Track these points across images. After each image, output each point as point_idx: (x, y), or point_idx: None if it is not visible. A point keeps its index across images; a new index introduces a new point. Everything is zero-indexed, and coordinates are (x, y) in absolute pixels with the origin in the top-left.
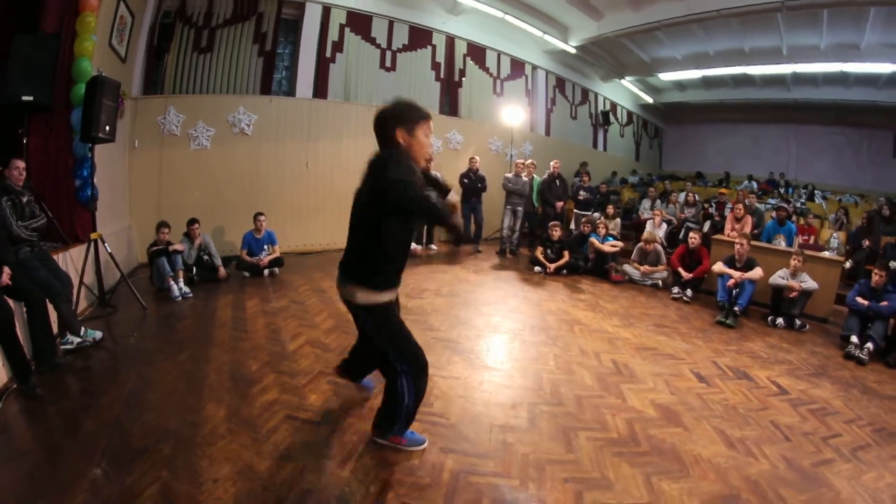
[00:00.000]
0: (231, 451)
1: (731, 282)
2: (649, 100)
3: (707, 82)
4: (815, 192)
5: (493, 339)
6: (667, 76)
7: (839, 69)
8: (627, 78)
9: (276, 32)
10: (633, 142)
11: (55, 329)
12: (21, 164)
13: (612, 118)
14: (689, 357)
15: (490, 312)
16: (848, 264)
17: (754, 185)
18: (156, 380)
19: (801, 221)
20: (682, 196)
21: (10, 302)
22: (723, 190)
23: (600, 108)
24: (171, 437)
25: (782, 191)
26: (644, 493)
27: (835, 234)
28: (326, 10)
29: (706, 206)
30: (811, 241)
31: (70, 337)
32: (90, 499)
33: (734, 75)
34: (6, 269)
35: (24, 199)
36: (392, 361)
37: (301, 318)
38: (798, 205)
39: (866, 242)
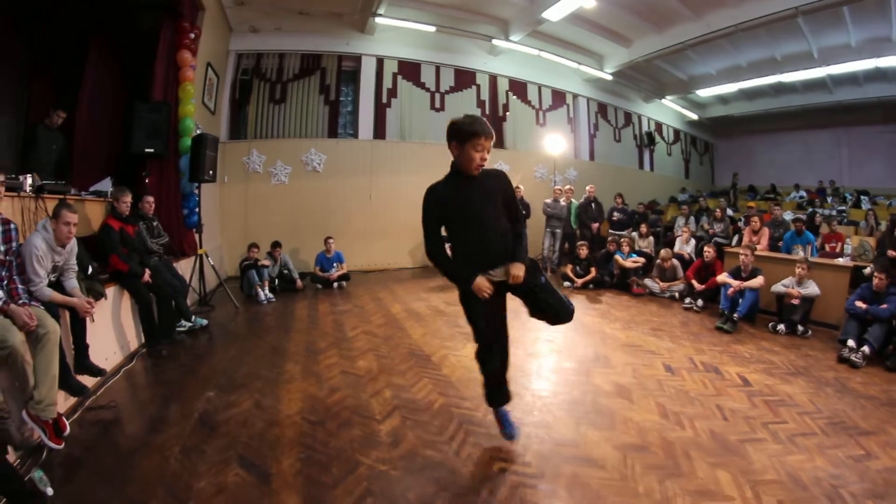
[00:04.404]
0: (301, 388)
1: (731, 290)
2: (694, 116)
3: (747, 94)
4: (862, 197)
5: None
6: (705, 92)
7: (874, 65)
8: (668, 97)
9: (338, 83)
10: (682, 159)
11: None
12: (151, 199)
13: (657, 138)
14: (669, 353)
15: (509, 315)
16: (867, 270)
17: (803, 194)
18: (250, 349)
19: (827, 230)
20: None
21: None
22: (750, 203)
23: (644, 129)
24: (261, 379)
25: (829, 199)
26: (571, 435)
27: (864, 240)
28: (380, 62)
29: (738, 221)
30: (838, 249)
31: (183, 322)
32: (206, 406)
33: (772, 84)
34: (147, 271)
35: (154, 224)
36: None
37: (360, 316)
38: (832, 213)
39: (892, 252)
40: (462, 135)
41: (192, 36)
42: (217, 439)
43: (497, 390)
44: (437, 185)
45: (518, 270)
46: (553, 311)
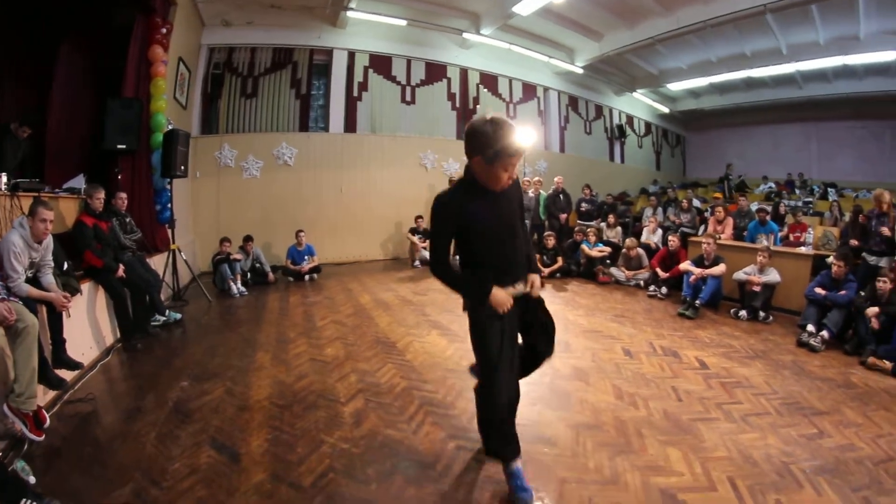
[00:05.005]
0: (271, 375)
1: (693, 278)
2: (665, 109)
3: (719, 88)
4: (829, 190)
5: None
6: (676, 86)
7: (842, 62)
8: (639, 90)
9: (309, 77)
10: (654, 152)
11: None
12: (124, 195)
13: (627, 130)
14: (629, 339)
15: None
16: (830, 259)
17: (771, 185)
18: (222, 341)
19: (792, 220)
20: (695, 202)
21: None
22: (716, 194)
23: (615, 121)
24: (233, 368)
25: (797, 191)
26: (527, 414)
27: (828, 230)
28: (352, 55)
29: (705, 211)
30: (801, 238)
31: (158, 317)
32: (180, 395)
33: (742, 79)
34: (121, 266)
35: (127, 220)
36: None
37: (330, 307)
38: (799, 204)
39: (854, 242)
40: (489, 151)
41: (164, 31)
42: (190, 425)
43: (504, 437)
44: (451, 196)
45: (538, 281)
46: (547, 341)
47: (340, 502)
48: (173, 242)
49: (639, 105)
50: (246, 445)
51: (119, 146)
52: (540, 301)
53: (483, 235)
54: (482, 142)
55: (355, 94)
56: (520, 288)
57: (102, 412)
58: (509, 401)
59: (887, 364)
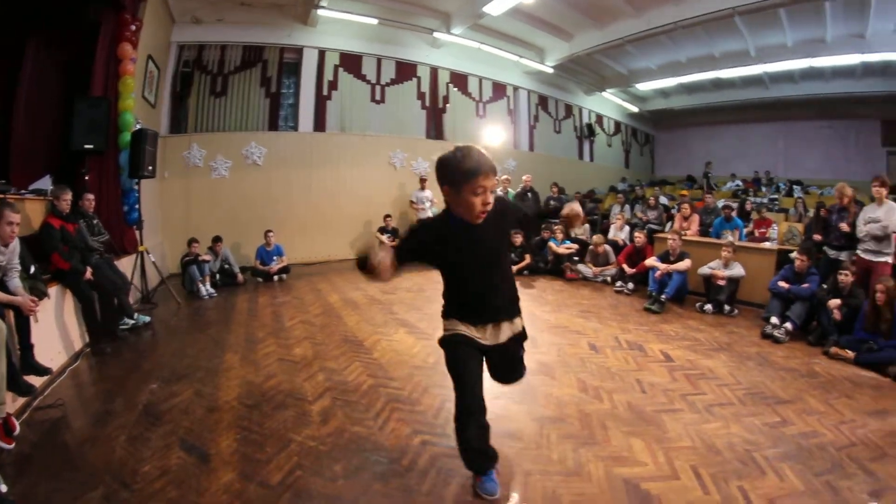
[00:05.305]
0: (240, 375)
1: (658, 273)
2: (634, 109)
3: (687, 88)
4: (795, 187)
5: (436, 320)
6: (645, 86)
7: (809, 64)
8: (609, 90)
9: (279, 75)
10: (623, 150)
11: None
12: (91, 196)
13: (596, 129)
14: (595, 333)
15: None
16: (794, 253)
17: (738, 183)
18: (191, 342)
19: (758, 216)
20: (662, 199)
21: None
22: (683, 192)
23: (585, 120)
24: (202, 369)
25: (763, 188)
26: (491, 409)
27: (792, 226)
28: (322, 54)
29: (672, 208)
30: (766, 234)
31: (126, 320)
32: (150, 397)
33: (710, 79)
34: (89, 269)
35: (94, 221)
36: None
37: (298, 307)
38: (765, 201)
39: (818, 236)
40: (454, 176)
41: (134, 28)
42: (160, 427)
43: (478, 454)
44: (433, 220)
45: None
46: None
47: (308, 499)
48: (141, 244)
49: (608, 104)
50: (215, 446)
51: (87, 146)
52: (512, 353)
53: (455, 270)
54: (449, 169)
55: (325, 92)
56: (487, 337)
57: (72, 417)
58: (480, 428)
59: (849, 353)
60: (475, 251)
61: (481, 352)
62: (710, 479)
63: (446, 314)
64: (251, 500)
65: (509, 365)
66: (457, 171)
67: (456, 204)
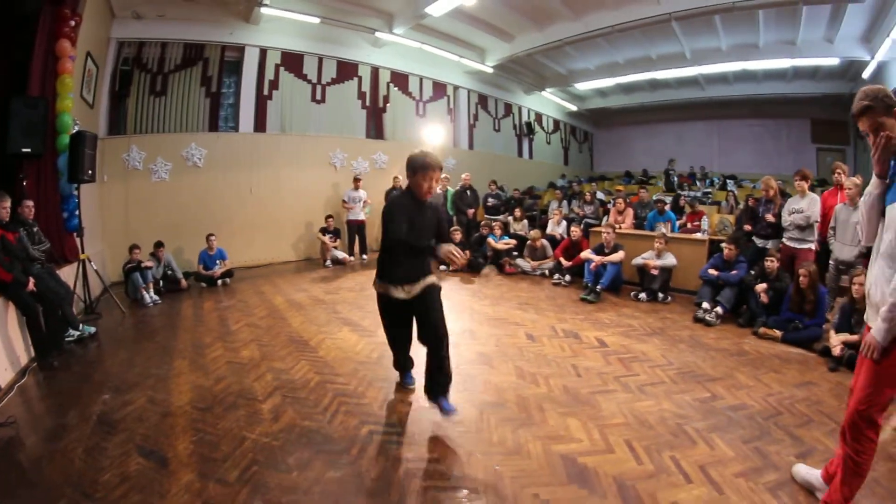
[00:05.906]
0: (190, 380)
1: (593, 265)
2: (573, 108)
3: (625, 88)
4: (728, 181)
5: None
6: (584, 85)
7: (742, 67)
8: (548, 90)
9: (220, 75)
10: (562, 147)
11: None
12: (31, 203)
13: (535, 128)
14: (532, 324)
15: None
16: (723, 244)
17: (675, 178)
18: (139, 351)
19: (690, 209)
20: (598, 195)
21: None
22: (619, 187)
23: (524, 119)
24: (152, 377)
25: (698, 183)
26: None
27: (724, 218)
28: (263, 53)
29: (608, 203)
30: (699, 226)
31: (71, 331)
32: (103, 408)
33: (647, 80)
34: (31, 279)
35: (35, 230)
36: None
37: (243, 310)
38: (698, 195)
39: (748, 227)
40: (414, 167)
41: (73, 24)
42: (116, 436)
43: (431, 377)
44: (398, 195)
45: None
46: (432, 326)
47: (265, 491)
48: (83, 252)
49: (548, 103)
50: (172, 449)
51: (24, 150)
52: (427, 298)
53: (398, 230)
54: (414, 163)
55: (266, 92)
56: (405, 291)
57: (25, 435)
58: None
59: (777, 332)
60: (415, 222)
61: (405, 303)
62: (643, 450)
63: (379, 275)
64: (212, 497)
65: (425, 309)
66: (418, 164)
67: (415, 185)
